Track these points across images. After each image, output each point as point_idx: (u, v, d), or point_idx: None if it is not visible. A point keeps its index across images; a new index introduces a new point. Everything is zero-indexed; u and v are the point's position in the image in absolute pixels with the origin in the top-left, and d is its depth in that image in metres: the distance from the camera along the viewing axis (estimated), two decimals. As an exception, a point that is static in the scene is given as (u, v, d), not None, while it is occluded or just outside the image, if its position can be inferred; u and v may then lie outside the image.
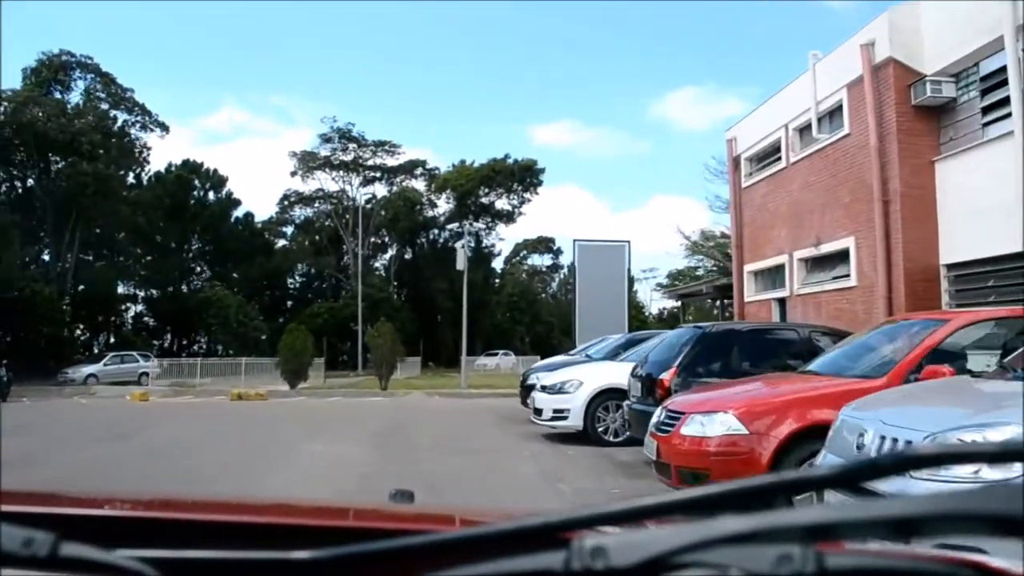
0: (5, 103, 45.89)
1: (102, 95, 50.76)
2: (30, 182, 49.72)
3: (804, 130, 19.98)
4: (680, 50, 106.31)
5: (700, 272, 68.48)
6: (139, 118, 52.27)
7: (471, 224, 34.02)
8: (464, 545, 0.85)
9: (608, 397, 13.89)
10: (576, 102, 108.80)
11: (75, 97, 50.70)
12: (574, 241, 40.97)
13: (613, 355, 16.93)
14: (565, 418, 14.04)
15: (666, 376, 11.19)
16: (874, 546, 0.80)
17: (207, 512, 1.38)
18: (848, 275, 18.01)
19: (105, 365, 43.37)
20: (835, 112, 18.51)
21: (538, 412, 14.75)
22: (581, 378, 14.60)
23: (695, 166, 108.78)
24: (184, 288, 62.25)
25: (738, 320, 23.65)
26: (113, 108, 51.43)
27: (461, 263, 33.88)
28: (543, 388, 14.98)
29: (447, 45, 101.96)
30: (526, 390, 17.32)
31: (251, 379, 34.42)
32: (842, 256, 18.34)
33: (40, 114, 45.97)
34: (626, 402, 12.71)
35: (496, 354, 63.69)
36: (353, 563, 0.86)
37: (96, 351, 51.35)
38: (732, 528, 0.73)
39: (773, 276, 22.34)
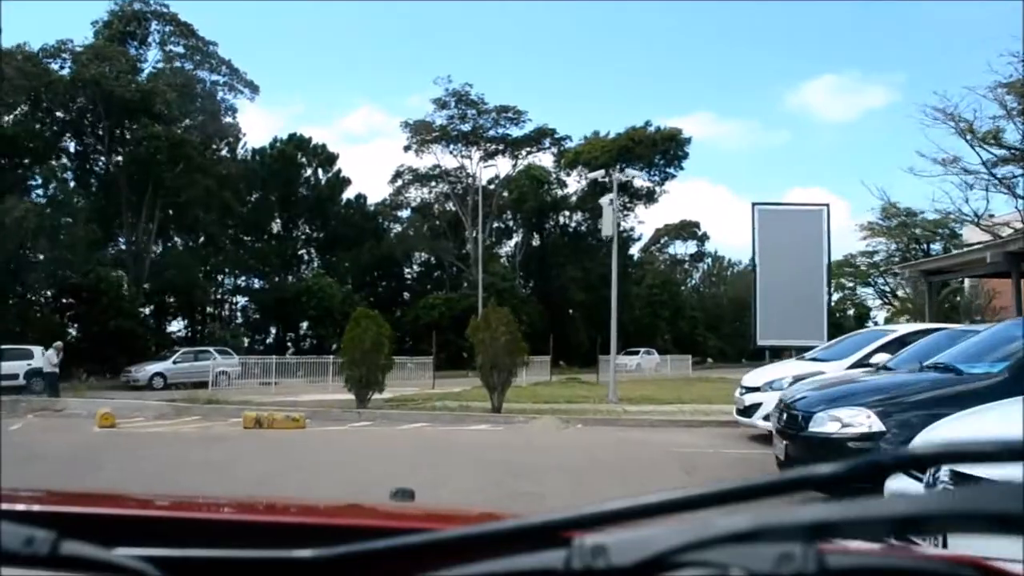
0: (64, 55, 38.40)
1: (180, 50, 42.87)
2: (99, 149, 42.11)
3: None
4: (818, 37, 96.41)
5: (878, 256, 57.35)
6: (225, 77, 44.10)
7: (622, 172, 23.55)
8: (465, 544, 0.84)
9: None
10: (710, 93, 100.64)
11: (152, 54, 43.05)
12: (753, 206, 30.34)
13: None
14: None
15: None
16: (875, 545, 0.80)
17: (208, 511, 1.40)
18: None
19: (175, 363, 35.40)
20: None
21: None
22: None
23: (837, 156, 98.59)
24: (290, 277, 54.26)
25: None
26: (196, 67, 43.50)
27: (608, 227, 23.94)
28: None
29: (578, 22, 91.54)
30: (789, 426, 7.75)
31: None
32: None
33: (108, 70, 38.25)
34: None
35: (637, 352, 53.19)
36: (354, 562, 0.85)
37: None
38: (733, 527, 0.72)
39: None
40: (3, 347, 31.77)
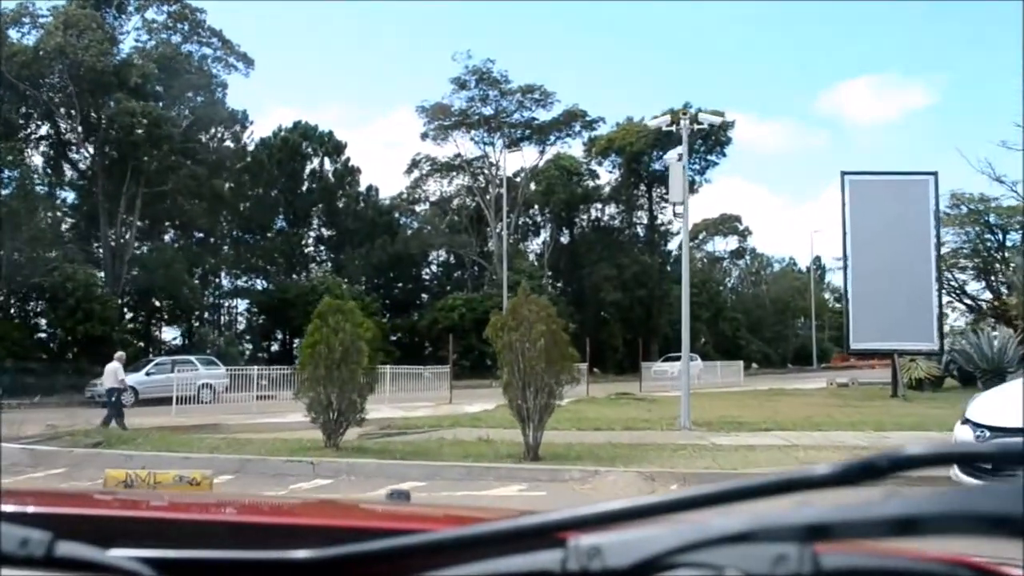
0: (25, 19, 32.62)
1: (163, 18, 36.94)
2: (64, 128, 36.27)
3: None
4: (856, 37, 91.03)
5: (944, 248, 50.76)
6: (214, 50, 38.05)
7: (689, 122, 17.20)
8: (461, 545, 0.82)
9: None
10: (748, 93, 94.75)
11: (132, 23, 37.17)
12: (843, 176, 23.97)
13: None
14: None
15: None
16: (872, 546, 0.78)
17: (203, 512, 1.35)
18: None
19: (148, 375, 29.28)
20: None
21: None
22: None
23: (878, 157, 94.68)
24: (296, 278, 48.30)
25: None
26: (184, 39, 37.52)
27: (676, 190, 17.58)
28: None
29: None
30: None
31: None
32: None
33: (78, 39, 32.42)
34: None
35: (678, 358, 46.41)
36: (351, 563, 0.84)
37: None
38: (729, 528, 0.71)
39: None
40: None
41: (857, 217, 23.58)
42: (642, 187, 56.21)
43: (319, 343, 11.40)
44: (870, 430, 14.81)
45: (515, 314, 11.31)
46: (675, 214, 18.46)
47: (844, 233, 23.91)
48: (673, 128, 18.53)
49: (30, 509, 1.16)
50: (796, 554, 0.68)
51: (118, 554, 0.83)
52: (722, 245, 69.19)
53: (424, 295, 54.49)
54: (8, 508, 1.08)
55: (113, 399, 19.01)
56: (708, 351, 53.64)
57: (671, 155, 18.52)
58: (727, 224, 66.14)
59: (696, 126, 18.21)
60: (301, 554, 0.85)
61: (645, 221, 57.36)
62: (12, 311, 34.94)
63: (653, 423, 16.59)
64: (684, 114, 17.73)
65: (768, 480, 0.72)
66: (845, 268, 24.10)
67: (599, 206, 56.92)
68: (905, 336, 23.11)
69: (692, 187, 55.49)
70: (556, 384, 11.23)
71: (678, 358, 45.51)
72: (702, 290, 59.97)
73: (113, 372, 19.34)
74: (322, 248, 52.36)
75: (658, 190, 56.41)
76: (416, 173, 53.91)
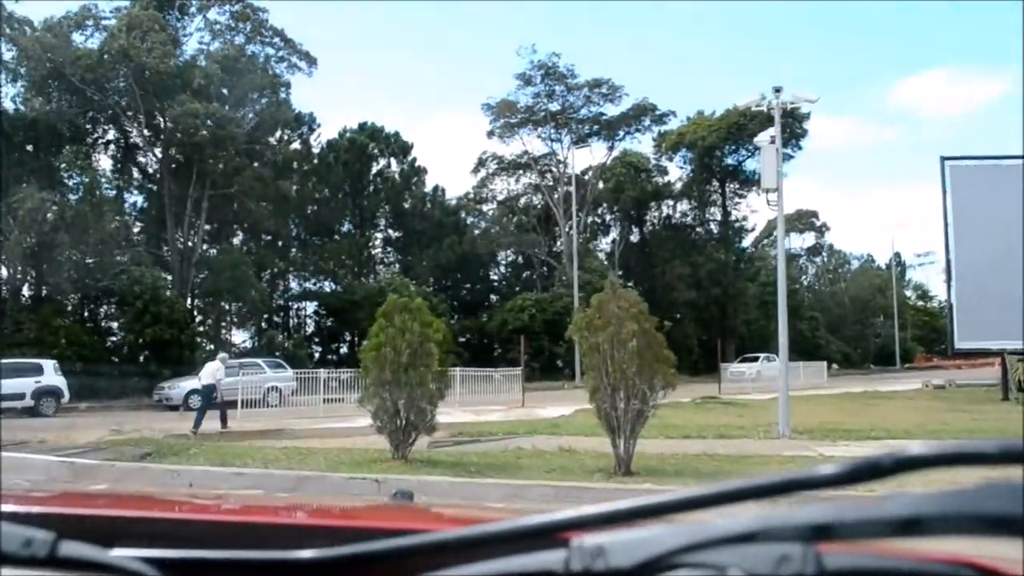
0: (89, 22, 32.38)
1: (225, 19, 36.48)
2: (130, 131, 36.01)
3: None
4: (925, 30, 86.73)
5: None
6: (277, 50, 37.40)
7: (777, 95, 15.64)
8: (464, 545, 0.82)
9: None
10: (817, 89, 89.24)
11: (195, 24, 36.79)
12: (943, 161, 22.08)
13: None
14: None
15: None
16: (874, 546, 0.78)
17: (208, 512, 1.35)
18: None
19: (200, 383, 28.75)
20: None
21: None
22: None
23: (951, 152, 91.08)
24: (363, 280, 47.56)
25: None
26: (248, 40, 36.97)
27: (770, 175, 16.00)
28: None
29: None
30: None
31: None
32: None
33: (141, 41, 32.06)
34: None
35: (756, 359, 44.60)
36: (355, 563, 0.84)
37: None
38: (732, 528, 0.71)
39: None
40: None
41: (960, 206, 21.67)
42: (714, 182, 54.32)
43: (384, 345, 10.23)
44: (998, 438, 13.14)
45: (602, 312, 9.99)
46: (768, 202, 16.87)
47: (945, 224, 21.99)
48: (764, 108, 16.98)
49: (33, 509, 1.15)
50: (799, 554, 0.68)
51: (121, 554, 0.83)
52: (798, 242, 66.74)
53: (492, 296, 53.40)
54: (11, 508, 1.05)
55: (211, 399, 18.49)
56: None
57: (763, 137, 16.95)
58: (803, 220, 63.70)
59: (790, 105, 16.65)
60: (306, 554, 0.85)
61: (718, 217, 55.41)
62: (82, 314, 34.84)
63: (748, 431, 15.13)
64: (777, 93, 16.20)
65: (771, 480, 0.71)
66: (948, 262, 22.16)
67: (670, 203, 55.19)
68: (1018, 335, 21.11)
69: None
70: (649, 390, 9.89)
71: (755, 359, 44.00)
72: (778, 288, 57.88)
73: (213, 371, 18.81)
74: (389, 250, 51.62)
75: (731, 185, 54.58)
76: (483, 172, 52.89)
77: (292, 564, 0.85)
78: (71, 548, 0.80)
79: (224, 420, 17.93)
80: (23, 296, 33.57)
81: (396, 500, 1.62)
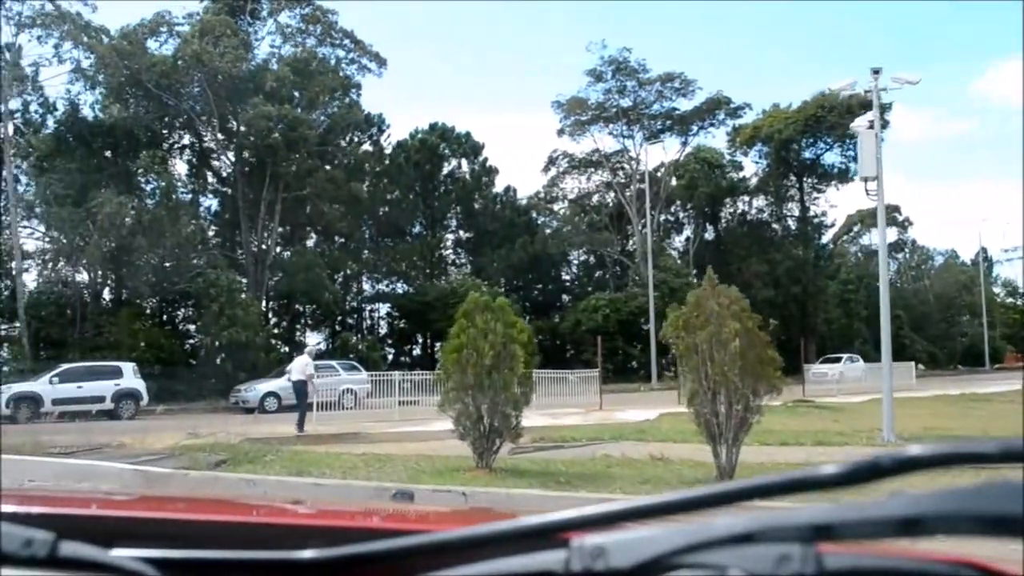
0: (163, 29, 32.65)
1: (295, 22, 36.51)
2: (204, 135, 36.25)
3: None
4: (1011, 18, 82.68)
5: None
6: (348, 53, 37.32)
7: (876, 83, 14.59)
8: (465, 545, 0.82)
9: None
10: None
11: (266, 28, 36.92)
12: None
13: None
14: None
15: None
16: (874, 546, 0.78)
17: (208, 512, 1.34)
18: None
19: (290, 380, 28.57)
20: None
21: None
22: None
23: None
24: (434, 281, 47.29)
25: None
26: (319, 42, 36.97)
27: (867, 163, 15.00)
28: None
29: None
30: None
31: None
32: None
33: (213, 47, 32.21)
34: None
35: (838, 359, 43.04)
36: (355, 563, 0.84)
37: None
38: (732, 528, 0.71)
39: None
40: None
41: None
42: (791, 177, 52.68)
43: (466, 346, 9.62)
44: None
45: (700, 309, 9.23)
46: (867, 192, 15.83)
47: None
48: (860, 91, 15.96)
49: (33, 509, 1.14)
50: (799, 554, 0.68)
51: (121, 554, 0.83)
52: (878, 238, 64.57)
53: (564, 296, 52.69)
54: (11, 508, 1.05)
55: (305, 395, 18.13)
56: (867, 351, 49.52)
57: (860, 122, 15.91)
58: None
59: (890, 87, 15.57)
60: (306, 554, 0.84)
61: (796, 213, 53.72)
62: (160, 318, 35.22)
63: (848, 436, 14.19)
64: (875, 74, 15.16)
65: (772, 480, 0.71)
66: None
67: (745, 199, 53.81)
68: None
69: (846, 175, 51.75)
70: (753, 395, 9.09)
71: (837, 359, 42.39)
72: (859, 286, 55.84)
73: (302, 366, 18.29)
74: (459, 250, 51.33)
75: (809, 179, 52.91)
76: (553, 171, 52.22)
77: (292, 564, 0.84)
78: (71, 548, 0.79)
79: (302, 423, 17.54)
80: (103, 300, 34.04)
81: (396, 500, 1.59)
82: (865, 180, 15.37)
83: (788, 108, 50.10)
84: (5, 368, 30.07)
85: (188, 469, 9.18)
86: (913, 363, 42.23)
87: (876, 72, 15.15)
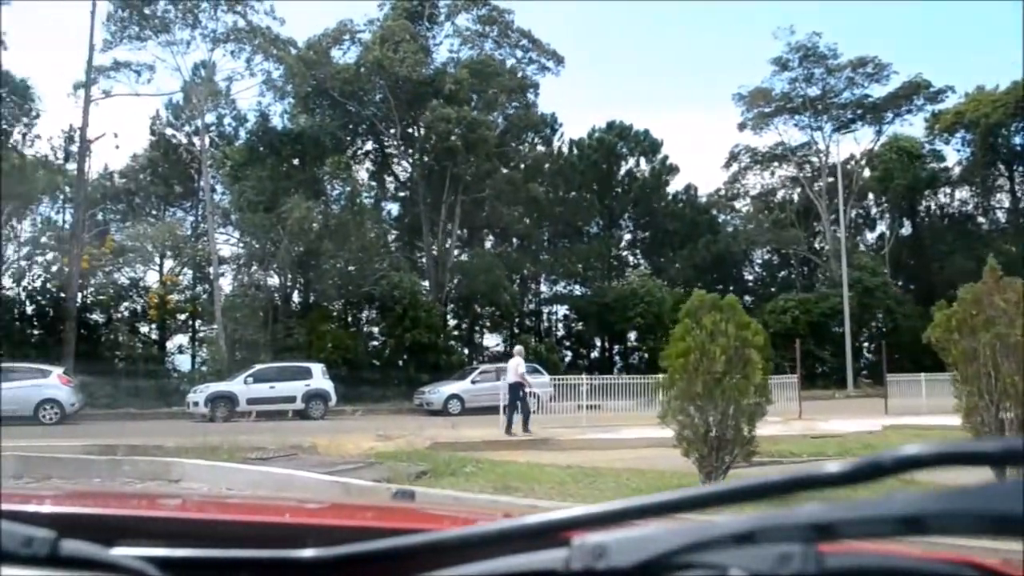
0: (345, 37, 33.18)
1: (472, 24, 36.31)
2: (386, 141, 36.61)
3: None
4: None
5: None
6: (525, 52, 36.77)
7: None
8: (466, 544, 0.83)
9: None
10: None
11: (443, 32, 36.95)
12: None
13: None
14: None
15: None
16: (875, 545, 0.79)
17: (208, 511, 1.34)
18: None
19: (473, 383, 28.35)
20: None
21: None
22: None
23: None
24: (612, 282, 46.13)
25: None
26: (498, 44, 36.67)
27: None
28: None
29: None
30: None
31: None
32: None
33: (393, 52, 32.42)
34: None
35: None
36: (356, 562, 0.84)
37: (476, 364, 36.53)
38: (733, 528, 0.71)
39: None
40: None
41: None
42: (999, 165, 48.14)
43: (692, 350, 8.47)
44: None
45: (980, 307, 7.69)
46: None
47: None
48: None
49: (34, 508, 1.14)
50: (800, 554, 0.68)
51: (122, 553, 0.82)
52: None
53: (747, 297, 50.24)
54: (12, 507, 1.04)
55: (520, 397, 17.82)
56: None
57: None
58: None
59: None
60: (307, 553, 0.84)
61: (1006, 205, 49.05)
62: (346, 320, 35.86)
63: None
64: None
65: (773, 480, 0.71)
66: None
67: (947, 191, 49.55)
68: None
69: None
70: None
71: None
72: None
73: (515, 367, 17.99)
74: (637, 251, 49.90)
75: (1020, 168, 48.21)
76: (735, 167, 49.80)
77: (292, 563, 0.84)
78: (72, 547, 0.79)
79: (509, 426, 17.10)
80: (292, 302, 34.98)
81: (396, 500, 1.62)
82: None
83: (995, 90, 45.78)
84: (204, 368, 31.34)
85: (388, 481, 8.49)
86: None
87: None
